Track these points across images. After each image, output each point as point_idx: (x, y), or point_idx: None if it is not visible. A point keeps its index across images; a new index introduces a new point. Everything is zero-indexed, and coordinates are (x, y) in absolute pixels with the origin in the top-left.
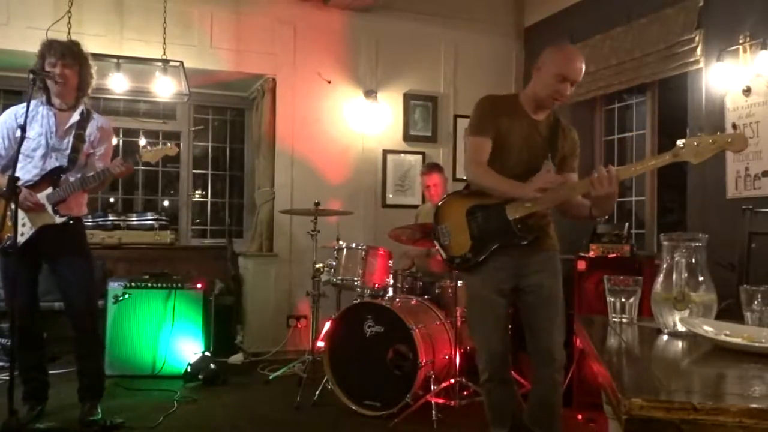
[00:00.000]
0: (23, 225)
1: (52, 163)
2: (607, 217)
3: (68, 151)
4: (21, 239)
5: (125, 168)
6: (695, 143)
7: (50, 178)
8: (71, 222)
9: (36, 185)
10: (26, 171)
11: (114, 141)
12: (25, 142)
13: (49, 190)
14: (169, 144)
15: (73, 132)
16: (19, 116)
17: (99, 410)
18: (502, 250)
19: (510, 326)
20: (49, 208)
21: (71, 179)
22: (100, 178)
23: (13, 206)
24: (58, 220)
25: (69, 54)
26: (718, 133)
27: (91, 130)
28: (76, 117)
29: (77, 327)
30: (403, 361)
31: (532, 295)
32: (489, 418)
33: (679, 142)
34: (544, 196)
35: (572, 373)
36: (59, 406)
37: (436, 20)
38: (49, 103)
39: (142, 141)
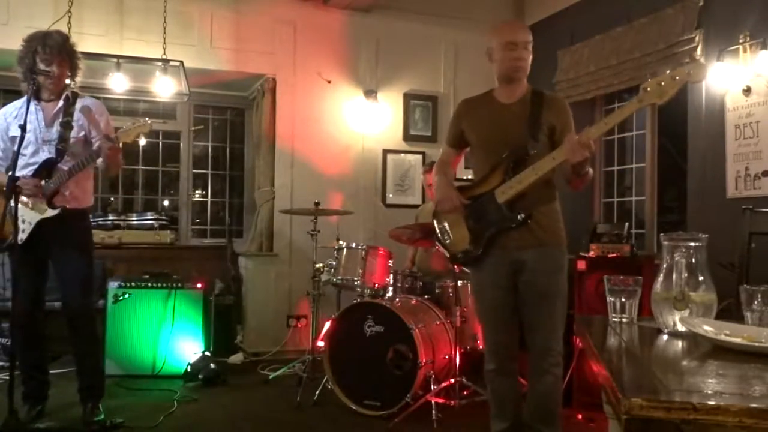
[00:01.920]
0: (22, 222)
1: (44, 156)
2: (591, 172)
3: (56, 141)
4: (22, 236)
5: (112, 152)
6: (659, 83)
7: (42, 171)
8: (67, 213)
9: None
10: (18, 168)
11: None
12: (16, 141)
13: (42, 183)
14: (141, 121)
15: (60, 119)
16: (9, 115)
17: (101, 410)
18: (499, 244)
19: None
20: (44, 201)
21: (63, 168)
22: (86, 163)
23: (12, 205)
24: (51, 212)
25: (64, 51)
26: (678, 67)
27: (77, 115)
28: (60, 104)
29: (74, 326)
30: (403, 361)
31: (527, 292)
32: (492, 411)
33: (643, 86)
34: (526, 172)
35: (572, 372)
36: (59, 406)
37: (436, 20)
38: (36, 98)
39: (142, 141)
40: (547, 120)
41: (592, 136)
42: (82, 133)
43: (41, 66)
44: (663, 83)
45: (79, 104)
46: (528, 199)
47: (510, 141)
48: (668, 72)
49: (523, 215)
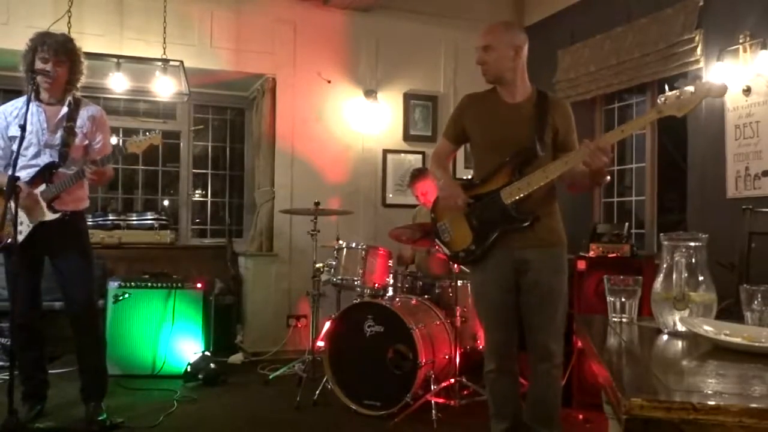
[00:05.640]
0: (21, 223)
1: (45, 159)
2: (608, 178)
3: (59, 146)
4: (19, 237)
5: (96, 177)
6: (677, 95)
7: (43, 174)
8: (67, 217)
9: (30, 183)
10: (19, 169)
11: (114, 140)
12: (16, 141)
13: (43, 186)
14: (152, 134)
15: (63, 125)
16: (8, 114)
17: (104, 409)
18: (502, 243)
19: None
20: (44, 205)
21: (67, 174)
22: (74, 180)
23: (12, 206)
24: (50, 216)
25: (62, 51)
26: (697, 81)
27: (81, 121)
28: (64, 110)
29: (77, 325)
30: (403, 361)
31: (531, 293)
32: (491, 411)
33: (661, 97)
34: (536, 175)
35: (572, 372)
36: (59, 406)
37: (436, 20)
38: (37, 98)
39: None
40: (553, 122)
41: (609, 142)
42: (85, 142)
43: (39, 64)
44: (681, 97)
45: (83, 111)
46: (533, 200)
47: (516, 141)
48: (688, 86)
49: (531, 217)
